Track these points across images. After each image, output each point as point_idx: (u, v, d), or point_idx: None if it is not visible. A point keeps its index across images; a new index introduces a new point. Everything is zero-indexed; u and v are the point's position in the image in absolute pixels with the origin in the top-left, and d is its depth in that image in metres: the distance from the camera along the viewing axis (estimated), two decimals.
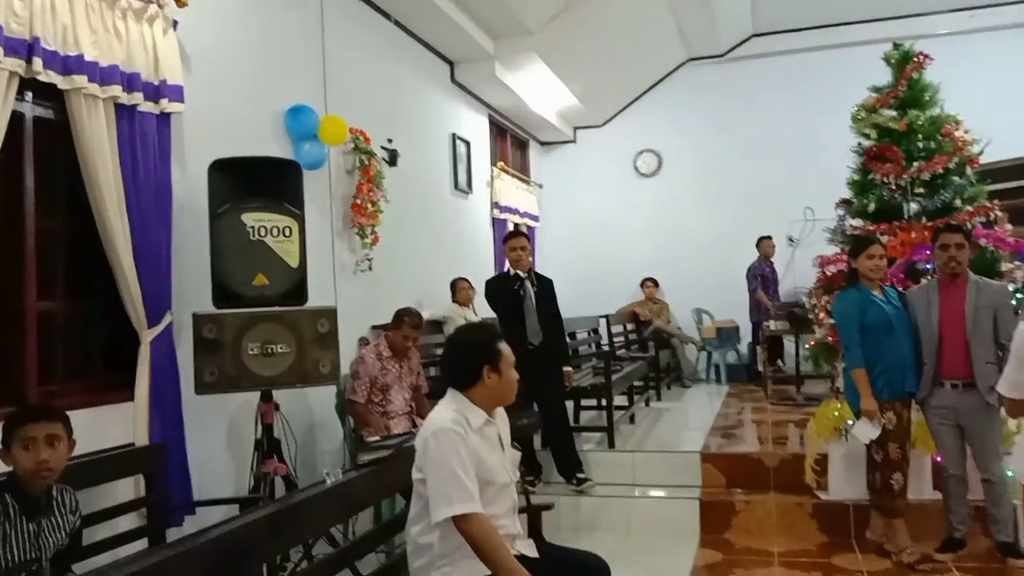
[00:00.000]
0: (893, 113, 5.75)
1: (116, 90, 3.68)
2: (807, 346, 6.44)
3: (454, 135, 8.22)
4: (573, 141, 11.53)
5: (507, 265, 5.76)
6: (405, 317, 4.90)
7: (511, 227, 9.57)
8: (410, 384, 4.95)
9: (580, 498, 5.35)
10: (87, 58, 3.54)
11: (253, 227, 3.83)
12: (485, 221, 9.19)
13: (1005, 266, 5.21)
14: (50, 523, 2.56)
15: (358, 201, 5.88)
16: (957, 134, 5.71)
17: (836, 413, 4.89)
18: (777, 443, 5.97)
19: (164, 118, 4.00)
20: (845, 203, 5.93)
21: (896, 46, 5.92)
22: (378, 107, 6.51)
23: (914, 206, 5.50)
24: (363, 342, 5.61)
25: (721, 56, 10.75)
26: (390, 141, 6.50)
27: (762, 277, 9.47)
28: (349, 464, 4.69)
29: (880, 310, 4.28)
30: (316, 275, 4.75)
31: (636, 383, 7.78)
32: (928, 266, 5.15)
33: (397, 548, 3.15)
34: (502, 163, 9.64)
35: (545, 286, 5.55)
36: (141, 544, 3.37)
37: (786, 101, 10.31)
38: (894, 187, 5.54)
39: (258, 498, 3.71)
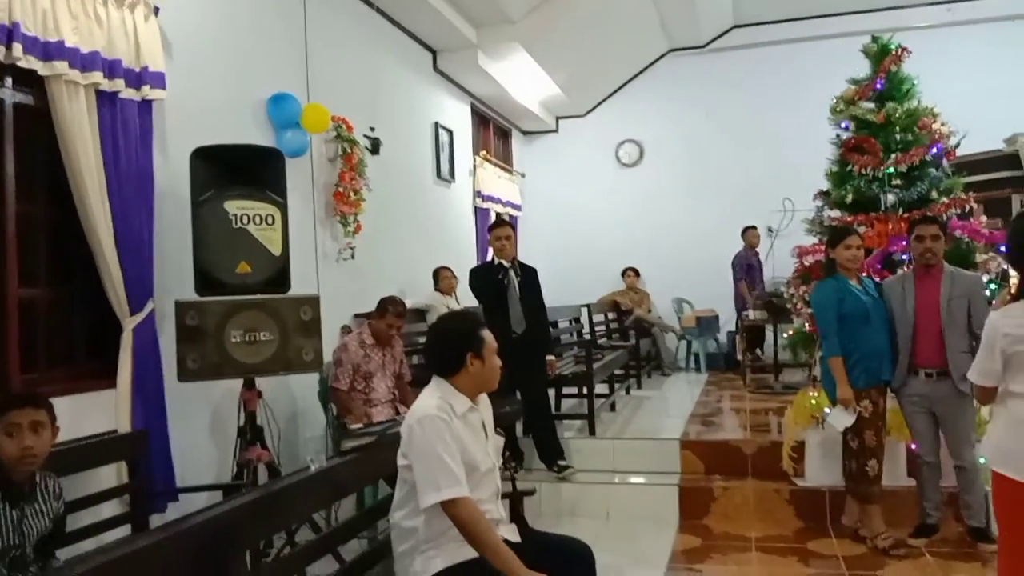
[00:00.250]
0: (871, 105, 5.80)
1: (97, 76, 3.66)
2: (785, 335, 6.51)
3: (437, 124, 8.22)
4: (555, 131, 11.55)
5: (490, 254, 5.78)
6: (389, 306, 4.92)
7: (493, 216, 9.59)
8: (393, 372, 4.97)
9: (561, 484, 5.40)
10: (68, 44, 3.52)
11: (236, 215, 3.83)
12: (467, 210, 9.20)
13: (980, 257, 5.28)
14: (33, 510, 2.57)
15: (340, 189, 5.88)
16: (934, 126, 5.78)
17: (813, 401, 4.97)
18: (755, 430, 6.05)
19: (146, 105, 3.98)
20: (823, 194, 6.00)
21: (875, 39, 5.97)
22: (360, 95, 6.49)
23: (891, 197, 5.56)
24: (346, 330, 5.62)
25: (702, 47, 10.80)
26: (372, 129, 6.48)
27: (748, 267, 9.56)
28: (332, 451, 4.70)
29: (857, 300, 4.35)
30: (299, 263, 4.75)
31: (617, 371, 7.85)
32: (904, 257, 5.23)
33: (380, 534, 3.18)
34: (485, 152, 9.64)
35: (529, 275, 5.57)
36: (124, 530, 3.38)
37: (766, 92, 10.38)
38: (871, 178, 5.60)
39: (241, 485, 3.72)
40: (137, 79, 3.92)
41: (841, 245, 4.42)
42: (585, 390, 6.24)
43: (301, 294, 4.04)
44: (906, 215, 5.44)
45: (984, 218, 5.67)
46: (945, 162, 5.75)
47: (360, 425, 4.32)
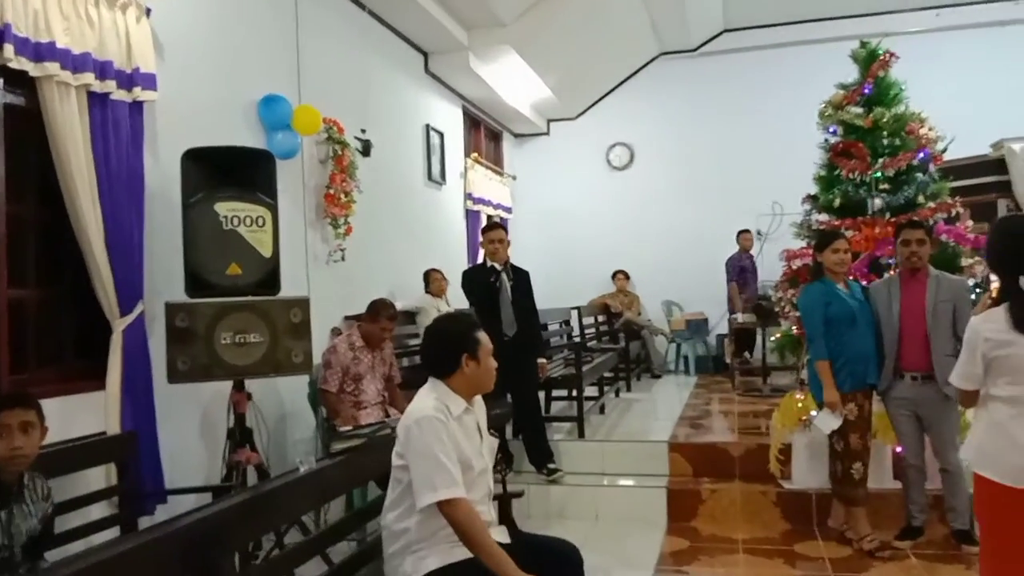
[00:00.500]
0: (859, 110, 5.85)
1: (88, 78, 3.67)
2: (773, 338, 6.55)
3: (428, 126, 8.23)
4: (546, 133, 11.58)
5: (481, 256, 5.80)
6: (382, 309, 4.92)
7: (484, 219, 9.60)
8: (383, 374, 4.96)
9: (550, 486, 5.42)
10: (59, 45, 3.52)
11: (226, 216, 3.83)
12: (458, 212, 9.22)
13: (965, 261, 5.34)
14: (21, 510, 2.57)
15: (331, 191, 5.88)
16: (922, 131, 5.84)
17: (800, 404, 5.00)
18: (743, 433, 6.08)
19: (137, 106, 3.98)
20: (811, 198, 6.05)
21: (863, 44, 6.02)
22: (352, 97, 6.50)
23: (878, 202, 5.62)
24: (336, 332, 5.62)
25: (693, 51, 10.86)
26: (364, 131, 6.49)
27: (740, 269, 9.63)
28: (322, 453, 4.71)
29: (844, 304, 4.38)
30: (289, 265, 4.76)
31: (606, 374, 7.87)
32: (891, 261, 5.27)
33: (370, 535, 3.19)
34: (476, 154, 9.66)
35: (521, 278, 5.59)
36: (113, 532, 3.38)
37: (756, 96, 10.44)
38: (859, 183, 5.65)
39: (230, 487, 3.73)
40: (128, 80, 3.92)
41: (828, 249, 4.46)
42: (575, 392, 6.26)
43: (291, 296, 4.05)
44: (893, 219, 5.48)
45: (970, 222, 5.73)
46: (932, 167, 5.80)
47: (349, 427, 4.32)
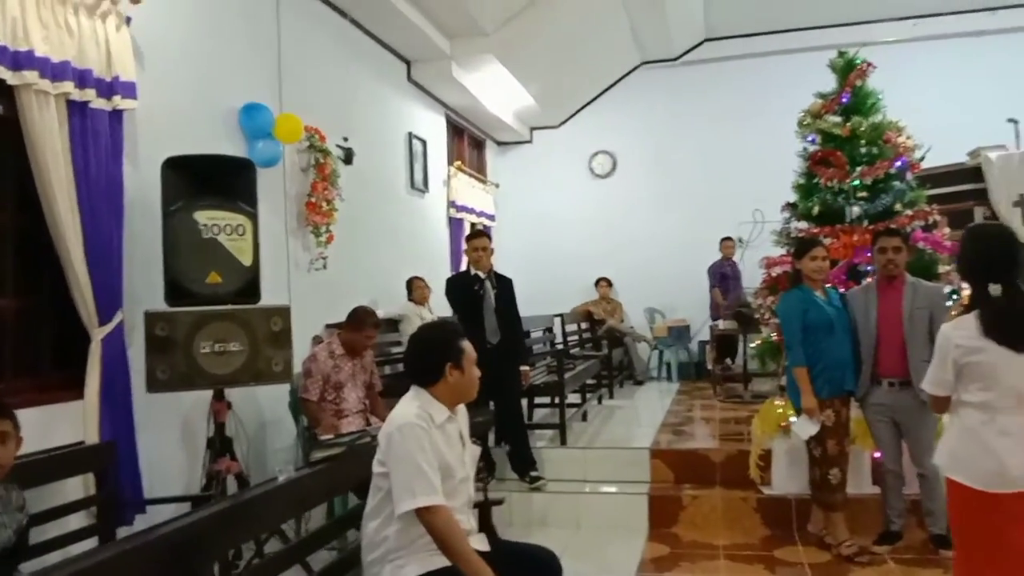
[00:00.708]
0: (837, 119, 5.90)
1: (68, 86, 3.64)
2: (753, 345, 6.60)
3: (410, 134, 8.24)
4: (529, 141, 11.62)
5: (464, 263, 5.80)
6: (367, 317, 4.92)
7: (468, 226, 9.62)
8: (363, 382, 4.95)
9: (532, 494, 5.44)
10: (38, 54, 3.50)
11: (206, 225, 3.83)
12: (441, 220, 9.22)
13: (942, 268, 5.39)
14: None
15: (313, 199, 5.88)
16: (899, 140, 5.90)
17: (780, 410, 5.04)
18: (724, 439, 6.12)
19: (117, 115, 3.96)
20: (791, 206, 6.09)
21: (841, 54, 6.08)
22: (334, 105, 6.51)
23: (856, 210, 5.67)
24: (317, 340, 5.61)
25: (674, 60, 10.93)
26: (346, 139, 6.49)
27: (722, 275, 9.71)
28: (303, 462, 4.70)
29: (821, 311, 4.43)
30: (270, 273, 4.77)
31: (589, 381, 7.90)
32: (869, 268, 5.32)
33: (350, 544, 3.19)
34: (459, 162, 9.67)
35: (505, 286, 5.61)
36: (91, 543, 3.35)
37: (737, 105, 10.52)
38: (837, 191, 5.70)
39: (210, 496, 3.71)
40: (108, 89, 3.90)
41: (807, 256, 4.50)
42: (557, 400, 6.28)
43: (271, 304, 4.04)
44: (871, 227, 5.53)
45: (947, 230, 5.78)
46: (909, 175, 5.86)
47: (330, 436, 4.31)
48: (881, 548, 4.47)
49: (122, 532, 3.58)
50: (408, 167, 8.19)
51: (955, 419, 2.76)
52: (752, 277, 7.89)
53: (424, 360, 2.81)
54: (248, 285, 3.97)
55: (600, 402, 8.24)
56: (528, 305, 6.54)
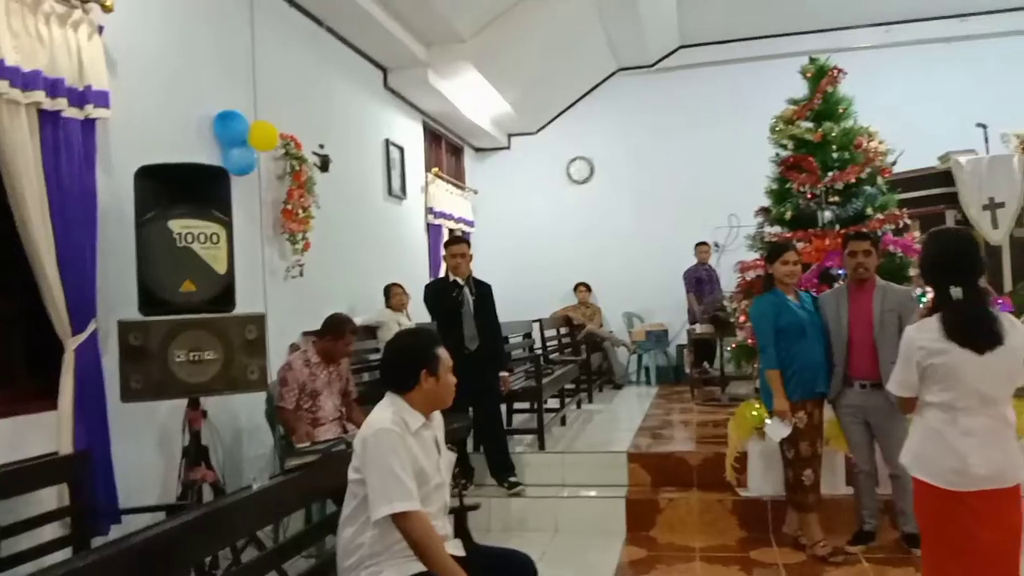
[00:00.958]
0: (809, 125, 5.98)
1: (39, 95, 3.63)
2: (729, 348, 6.65)
3: (387, 141, 8.25)
4: (507, 148, 11.66)
5: (443, 269, 5.82)
6: (347, 324, 4.91)
7: (446, 233, 9.63)
8: (339, 390, 4.95)
9: (511, 499, 5.45)
10: (8, 63, 3.48)
11: (180, 234, 3.82)
12: (420, 227, 9.24)
13: (913, 271, 5.45)
14: None
15: (289, 207, 5.87)
16: (871, 145, 5.98)
17: (755, 412, 5.09)
18: (701, 442, 6.17)
19: (89, 124, 3.95)
20: (764, 211, 6.16)
21: (812, 60, 6.16)
22: (310, 112, 6.51)
23: (828, 214, 5.74)
24: (294, 348, 5.61)
25: (650, 67, 11.01)
26: (322, 147, 6.50)
27: (697, 280, 9.80)
28: (279, 470, 4.68)
29: (793, 314, 4.48)
30: (245, 281, 4.75)
31: (568, 386, 7.93)
32: (841, 271, 5.39)
33: (328, 550, 3.19)
34: (436, 169, 9.69)
35: (484, 292, 5.62)
36: (66, 554, 3.34)
37: (712, 111, 10.60)
38: (809, 196, 5.76)
39: (185, 505, 3.70)
40: (80, 98, 3.89)
41: (779, 261, 4.56)
42: (535, 405, 6.30)
43: (246, 313, 4.03)
44: (843, 231, 5.60)
45: (918, 233, 5.86)
46: (880, 179, 5.94)
47: (307, 444, 4.31)
48: (855, 548, 4.52)
49: (97, 542, 3.55)
50: (385, 174, 8.20)
51: (919, 420, 2.81)
52: (729, 281, 7.97)
53: (399, 367, 2.83)
54: (223, 293, 3.96)
55: (579, 407, 8.28)
56: (507, 311, 6.57)
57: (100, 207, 3.96)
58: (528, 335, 8.92)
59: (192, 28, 5.07)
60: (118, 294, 4.05)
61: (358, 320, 6.27)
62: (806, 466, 4.48)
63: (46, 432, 3.67)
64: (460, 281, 5.52)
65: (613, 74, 11.25)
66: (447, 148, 10.65)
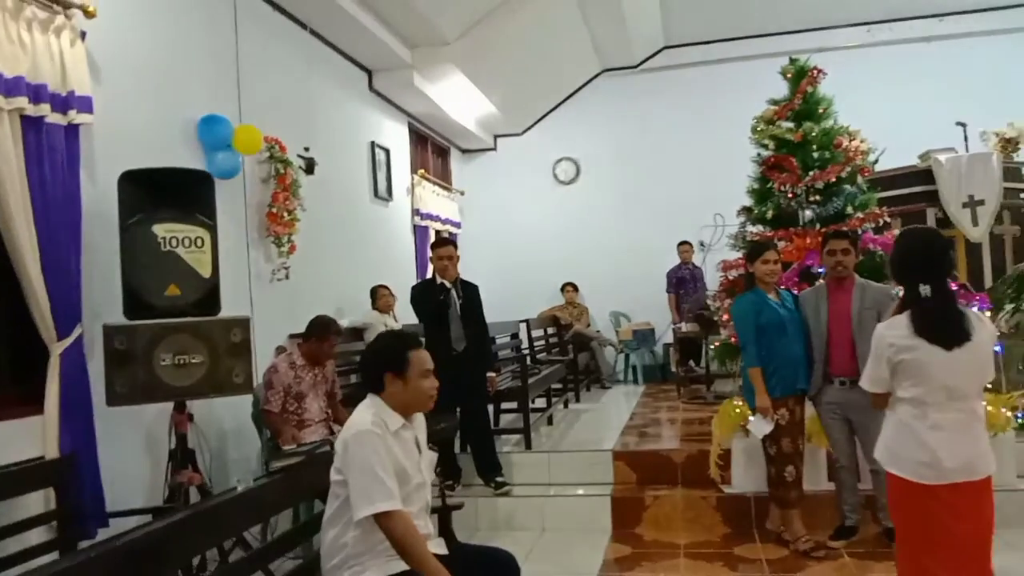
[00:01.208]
0: (790, 125, 6.05)
1: (22, 102, 3.65)
2: (712, 346, 6.71)
3: (373, 143, 8.28)
4: (493, 149, 11.70)
5: (430, 271, 5.84)
6: (331, 326, 4.93)
7: (433, 234, 9.66)
8: (325, 391, 4.97)
9: (497, 499, 5.48)
10: None
11: (164, 238, 3.85)
12: (406, 228, 9.27)
13: None
14: None
15: (274, 210, 5.90)
16: (853, 144, 6.05)
17: (738, 410, 5.15)
18: (686, 440, 6.23)
19: (72, 129, 3.97)
20: (746, 210, 6.22)
21: (792, 61, 6.22)
22: (294, 115, 6.53)
23: (809, 213, 5.80)
24: (281, 350, 5.63)
25: (635, 67, 11.07)
26: (307, 149, 6.52)
27: (679, 280, 9.87)
28: (264, 472, 4.71)
29: (774, 312, 4.54)
30: (231, 284, 4.78)
31: (555, 385, 7.97)
32: (821, 270, 5.45)
33: (315, 550, 3.22)
34: (423, 170, 9.72)
35: (471, 293, 5.64)
36: (53, 557, 3.36)
37: (697, 111, 10.67)
38: (790, 195, 5.83)
39: (172, 508, 3.73)
40: (63, 103, 3.91)
41: (759, 260, 4.61)
42: (521, 405, 6.34)
43: (231, 316, 4.06)
44: (823, 230, 5.66)
45: (897, 231, 5.93)
46: (860, 178, 6.01)
47: (293, 446, 4.34)
48: (837, 543, 4.58)
49: (84, 546, 3.58)
50: (371, 176, 8.23)
51: (892, 415, 2.87)
52: (713, 280, 8.03)
53: (368, 369, 2.90)
54: (207, 297, 3.99)
55: (566, 406, 8.32)
56: (495, 311, 6.61)
57: (84, 212, 3.98)
58: (515, 335, 8.96)
59: (176, 32, 5.09)
60: (103, 299, 4.07)
61: (344, 322, 6.31)
62: (788, 462, 4.54)
63: (32, 437, 3.69)
64: (447, 284, 5.55)
65: (598, 75, 11.31)
66: (433, 149, 10.68)
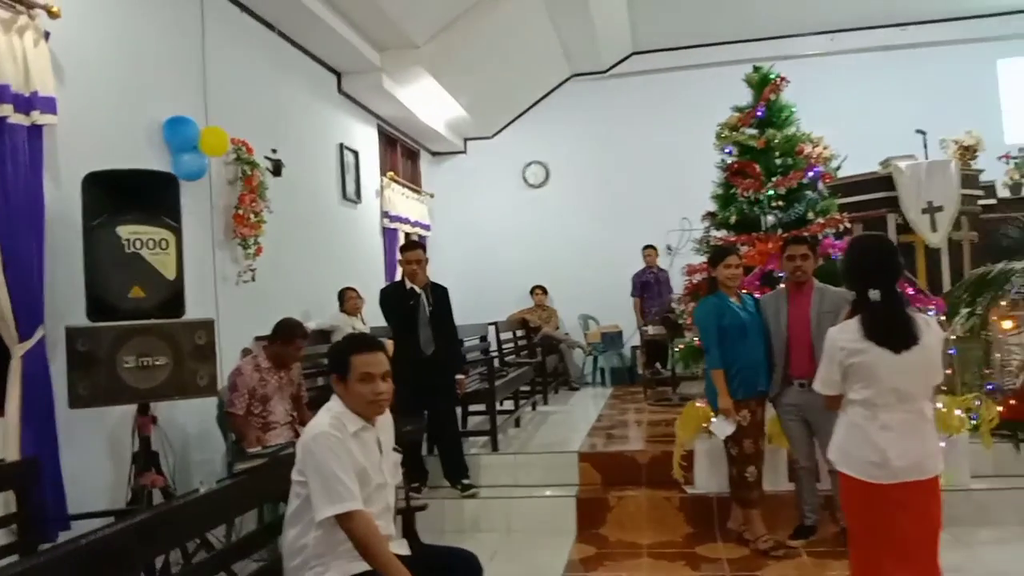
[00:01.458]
0: (753, 131, 6.16)
1: None
2: (677, 349, 6.80)
3: (342, 145, 8.27)
4: (463, 152, 11.73)
5: (399, 273, 5.84)
6: (297, 329, 4.93)
7: (402, 237, 9.67)
8: (291, 394, 4.96)
9: (464, 500, 5.51)
10: None
11: (128, 240, 3.83)
12: (375, 230, 9.26)
13: None
14: None
15: (240, 212, 5.88)
16: (816, 150, 6.17)
17: (701, 411, 5.22)
18: (650, 441, 6.30)
19: (36, 130, 3.94)
20: (710, 215, 6.32)
21: (756, 69, 6.34)
22: (262, 117, 6.51)
23: (771, 218, 5.92)
24: (246, 352, 5.61)
25: (603, 72, 11.17)
26: (274, 151, 6.50)
27: (643, 284, 9.97)
28: (229, 474, 4.70)
29: (736, 315, 4.62)
30: (197, 286, 4.77)
31: (523, 388, 8.01)
32: (783, 274, 5.55)
33: (277, 552, 3.23)
34: (392, 173, 9.72)
35: (440, 296, 5.66)
36: (13, 560, 3.34)
37: (664, 116, 10.79)
38: (753, 201, 5.94)
39: (135, 510, 3.71)
40: (27, 104, 3.88)
41: (721, 264, 4.70)
42: (489, 407, 6.37)
43: (195, 318, 4.06)
44: (785, 235, 5.77)
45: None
46: (821, 184, 6.13)
47: (258, 448, 4.34)
48: (796, 542, 4.67)
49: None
50: (340, 178, 8.23)
51: (844, 416, 2.96)
52: (679, 283, 8.12)
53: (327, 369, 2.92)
54: (172, 299, 3.97)
55: (534, 408, 8.37)
56: (464, 314, 6.64)
57: (47, 214, 3.96)
58: (484, 338, 8.99)
59: (141, 33, 5.07)
60: (66, 300, 4.04)
61: (311, 324, 6.30)
62: (749, 463, 4.62)
63: None
64: (417, 289, 5.56)
65: (567, 79, 11.39)
66: (403, 152, 10.69)
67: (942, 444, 4.69)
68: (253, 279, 6.01)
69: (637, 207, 10.72)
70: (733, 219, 6.01)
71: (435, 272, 5.92)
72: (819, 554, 4.56)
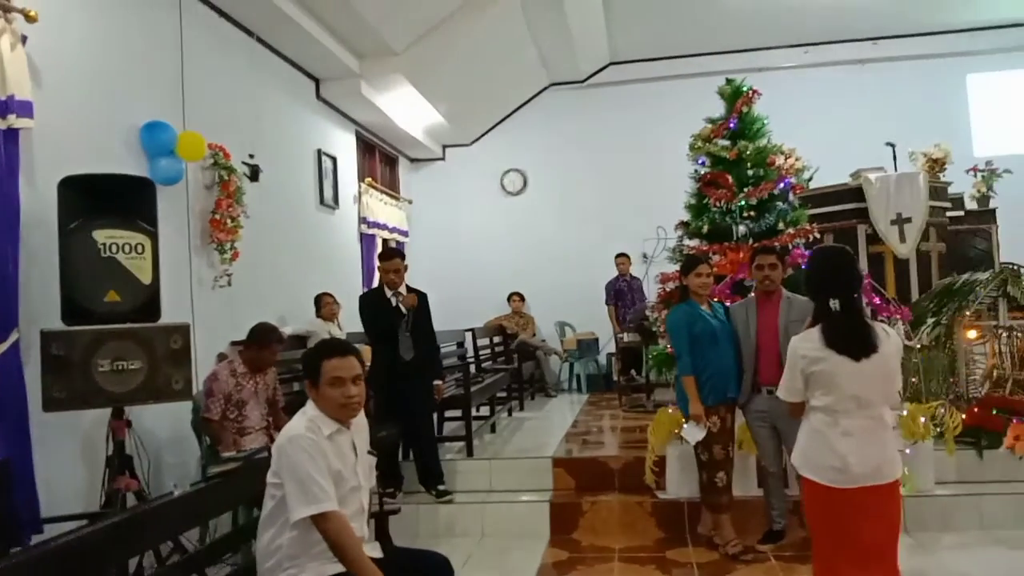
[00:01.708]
0: (725, 143, 6.26)
1: None
2: (651, 356, 6.89)
3: (320, 151, 8.30)
4: (442, 159, 11.79)
5: (376, 280, 5.86)
6: (272, 334, 4.94)
7: (380, 243, 9.70)
8: (266, 399, 4.98)
9: (439, 505, 5.55)
10: None
11: (104, 244, 3.85)
12: (353, 237, 9.29)
13: None
14: None
15: (217, 216, 5.90)
16: (788, 162, 6.29)
17: (673, 417, 5.30)
18: (624, 447, 6.36)
19: (12, 134, 3.96)
20: (683, 224, 6.41)
21: (728, 81, 6.45)
22: (240, 122, 6.53)
23: (742, 228, 6.02)
24: (222, 357, 5.62)
25: (581, 82, 11.28)
26: (252, 156, 6.52)
27: (616, 292, 10.06)
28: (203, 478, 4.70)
29: (706, 323, 4.70)
30: (172, 291, 4.78)
31: (499, 394, 8.06)
32: (753, 283, 5.65)
33: (252, 555, 3.26)
34: (370, 179, 9.75)
35: (420, 302, 5.67)
36: None
37: (642, 125, 10.91)
38: (725, 211, 6.04)
39: (108, 514, 3.72)
40: (3, 108, 3.90)
41: (692, 273, 4.78)
42: (464, 412, 6.41)
43: (171, 323, 4.07)
44: (756, 244, 5.87)
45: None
46: (792, 195, 6.25)
47: (234, 452, 4.35)
48: (765, 546, 4.74)
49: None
50: (317, 184, 8.25)
51: (806, 422, 3.04)
52: (654, 292, 8.21)
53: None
54: (147, 303, 3.99)
55: (510, 414, 8.41)
56: (442, 320, 6.67)
57: (23, 217, 3.97)
58: (461, 344, 9.03)
59: (119, 38, 5.08)
60: (41, 304, 4.05)
61: (287, 330, 6.32)
62: (719, 468, 4.70)
63: None
64: (394, 301, 5.58)
65: (546, 88, 11.49)
66: (381, 158, 10.72)
67: (907, 451, 4.87)
68: (229, 284, 6.03)
69: (614, 215, 10.83)
70: (705, 229, 6.11)
71: (413, 278, 5.96)
72: (787, 558, 4.63)
